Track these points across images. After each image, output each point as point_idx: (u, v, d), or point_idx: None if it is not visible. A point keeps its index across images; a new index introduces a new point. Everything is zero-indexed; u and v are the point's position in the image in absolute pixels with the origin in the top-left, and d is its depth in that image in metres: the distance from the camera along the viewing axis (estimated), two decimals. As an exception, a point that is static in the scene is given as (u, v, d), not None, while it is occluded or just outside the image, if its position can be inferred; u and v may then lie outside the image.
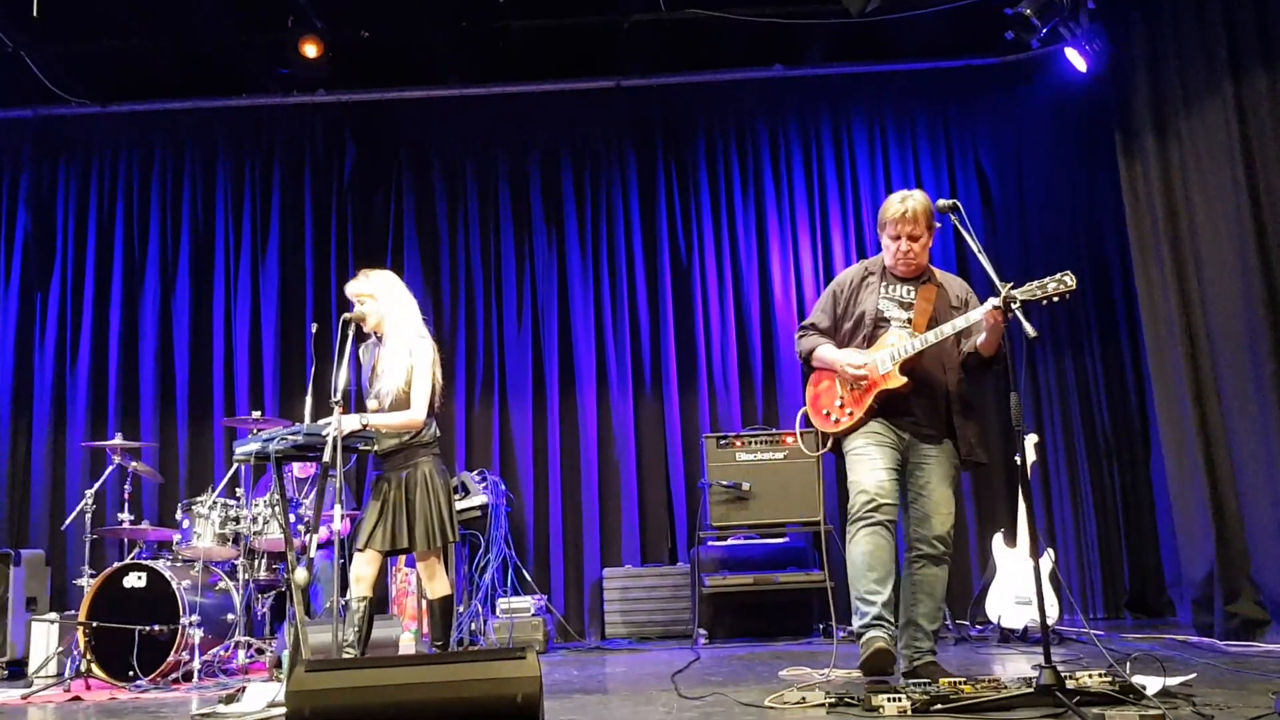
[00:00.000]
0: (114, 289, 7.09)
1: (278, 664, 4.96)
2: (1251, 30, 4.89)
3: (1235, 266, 4.91)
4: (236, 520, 5.33)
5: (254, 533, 5.30)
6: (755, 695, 3.57)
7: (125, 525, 5.45)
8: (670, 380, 6.95)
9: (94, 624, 4.98)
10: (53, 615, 5.55)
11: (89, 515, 5.38)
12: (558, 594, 6.71)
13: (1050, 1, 5.74)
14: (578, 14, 6.41)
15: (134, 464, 5.63)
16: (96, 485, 5.55)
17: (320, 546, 5.70)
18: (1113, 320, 6.74)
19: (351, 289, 4.24)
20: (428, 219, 7.23)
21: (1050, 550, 5.41)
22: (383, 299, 4.22)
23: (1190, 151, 5.21)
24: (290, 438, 3.80)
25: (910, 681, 3.42)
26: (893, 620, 3.73)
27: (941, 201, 3.69)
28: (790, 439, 6.10)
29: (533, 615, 5.97)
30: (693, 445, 6.77)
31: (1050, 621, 3.81)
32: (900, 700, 3.09)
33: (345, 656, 3.84)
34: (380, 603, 5.82)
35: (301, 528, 5.31)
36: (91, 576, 5.20)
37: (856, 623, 3.75)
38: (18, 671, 5.68)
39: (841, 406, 3.89)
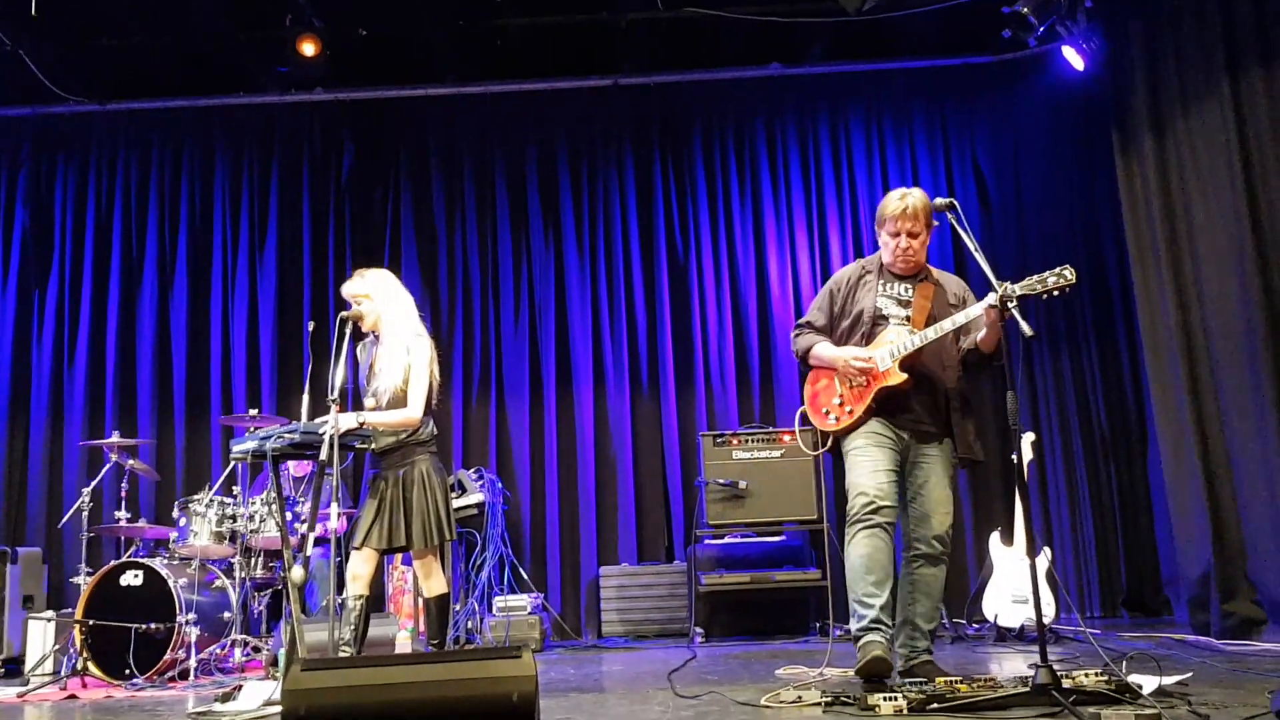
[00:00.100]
0: (112, 287, 7.09)
1: (274, 662, 4.97)
2: (1250, 29, 4.89)
3: (1232, 265, 4.91)
4: (233, 518, 5.33)
5: (251, 531, 5.31)
6: (751, 694, 3.57)
7: (122, 523, 5.45)
8: (667, 378, 6.95)
9: (90, 622, 4.98)
10: (49, 613, 5.55)
11: (86, 513, 5.38)
12: (554, 592, 6.71)
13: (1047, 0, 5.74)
14: (575, 12, 6.42)
15: (131, 462, 5.63)
16: (94, 483, 5.56)
17: (317, 544, 5.70)
18: (1110, 319, 6.74)
19: (348, 289, 4.24)
20: (425, 217, 7.23)
21: (1047, 549, 5.41)
22: (379, 298, 4.22)
23: (1188, 150, 5.22)
24: (287, 436, 3.80)
25: (907, 681, 3.42)
26: (890, 623, 3.72)
27: (939, 200, 3.68)
28: (787, 437, 6.10)
29: (529, 613, 5.97)
30: (689, 443, 6.77)
31: (1047, 620, 3.82)
32: (896, 699, 3.09)
33: (341, 655, 3.83)
34: (377, 601, 5.81)
35: (298, 526, 5.31)
36: (88, 574, 5.21)
37: (854, 625, 3.74)
38: (14, 669, 5.67)
39: (841, 404, 3.88)
